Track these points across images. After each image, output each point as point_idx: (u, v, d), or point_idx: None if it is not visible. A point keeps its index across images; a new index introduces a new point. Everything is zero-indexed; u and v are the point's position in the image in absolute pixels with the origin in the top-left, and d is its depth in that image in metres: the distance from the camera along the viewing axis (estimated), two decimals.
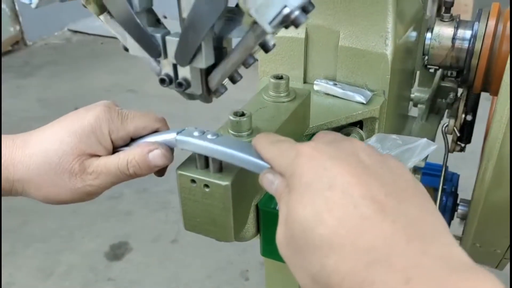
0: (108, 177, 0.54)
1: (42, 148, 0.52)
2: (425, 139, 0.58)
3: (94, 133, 0.53)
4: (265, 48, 0.43)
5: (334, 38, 0.76)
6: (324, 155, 0.37)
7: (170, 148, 0.55)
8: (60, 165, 0.52)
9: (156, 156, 0.53)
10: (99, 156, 0.54)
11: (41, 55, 3.80)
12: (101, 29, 4.15)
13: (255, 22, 0.38)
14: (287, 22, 0.34)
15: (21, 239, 2.11)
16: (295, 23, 0.34)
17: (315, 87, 0.78)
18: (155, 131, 0.57)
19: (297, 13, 0.33)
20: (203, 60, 0.40)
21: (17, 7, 3.71)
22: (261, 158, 0.46)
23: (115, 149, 0.56)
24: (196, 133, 0.50)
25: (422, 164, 0.86)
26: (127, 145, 0.56)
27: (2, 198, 0.54)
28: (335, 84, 0.77)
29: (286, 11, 0.33)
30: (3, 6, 3.64)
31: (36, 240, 2.10)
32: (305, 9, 0.35)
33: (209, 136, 0.49)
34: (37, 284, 1.89)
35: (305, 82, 0.81)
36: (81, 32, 4.12)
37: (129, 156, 0.53)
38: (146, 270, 1.95)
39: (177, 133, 0.51)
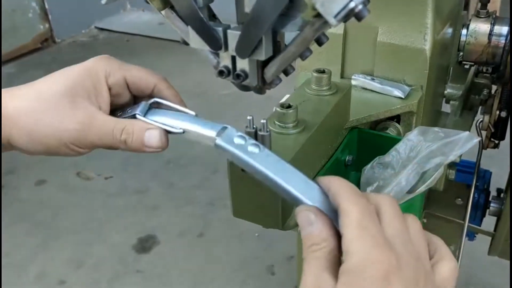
0: (99, 133, 0.51)
1: (35, 88, 0.51)
2: (467, 132, 0.60)
3: (89, 76, 0.52)
4: (319, 42, 0.45)
5: (373, 34, 0.78)
6: None
7: (167, 133, 0.52)
8: (50, 102, 0.50)
9: (152, 137, 0.51)
10: (94, 105, 0.52)
11: (68, 53, 3.88)
12: (127, 26, 4.21)
13: (315, 16, 0.40)
14: (350, 15, 0.36)
15: (52, 231, 2.17)
16: (359, 16, 0.35)
17: (353, 82, 0.80)
18: (151, 96, 0.55)
19: (361, 6, 0.35)
20: (263, 52, 0.42)
21: (46, 5, 3.80)
22: (301, 190, 0.43)
23: (114, 108, 0.55)
24: (237, 140, 0.47)
25: (458, 160, 0.87)
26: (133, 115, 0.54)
27: (33, 194, 0.54)
28: (373, 79, 0.79)
29: (352, 5, 0.34)
30: (33, 4, 3.72)
31: (66, 232, 2.16)
32: (364, 3, 0.37)
33: (250, 149, 0.46)
34: (69, 275, 1.95)
35: (342, 77, 0.83)
36: (108, 29, 4.19)
37: (128, 123, 0.52)
38: (173, 263, 1.99)
39: (217, 135, 0.49)
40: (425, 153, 0.60)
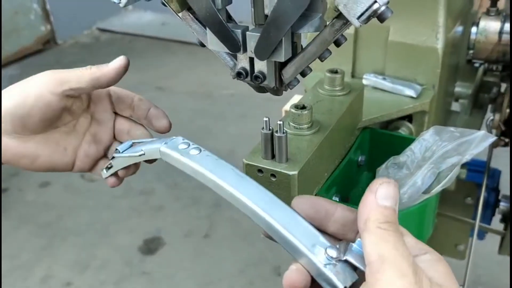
0: (76, 72, 0.59)
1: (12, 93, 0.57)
2: (483, 132, 0.59)
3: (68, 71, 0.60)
4: (338, 42, 0.45)
5: (384, 33, 0.77)
6: None
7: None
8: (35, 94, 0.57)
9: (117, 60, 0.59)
10: None
11: (70, 54, 3.88)
12: (129, 27, 4.20)
13: (336, 17, 0.39)
14: (373, 17, 0.35)
15: (57, 233, 2.17)
16: (382, 17, 0.35)
17: (364, 82, 0.79)
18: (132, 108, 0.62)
19: (384, 8, 0.35)
20: (283, 54, 0.42)
21: (48, 7, 3.79)
22: (234, 184, 0.46)
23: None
24: (181, 146, 0.50)
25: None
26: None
27: (37, 196, 0.56)
28: (384, 79, 0.78)
29: (375, 6, 0.34)
30: (34, 5, 3.72)
31: (71, 234, 2.16)
32: (387, 4, 0.37)
33: (191, 152, 0.49)
34: (75, 277, 1.95)
35: (353, 76, 0.83)
36: (109, 30, 4.19)
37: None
38: (180, 264, 1.99)
39: (163, 144, 0.52)
40: (440, 152, 0.59)
